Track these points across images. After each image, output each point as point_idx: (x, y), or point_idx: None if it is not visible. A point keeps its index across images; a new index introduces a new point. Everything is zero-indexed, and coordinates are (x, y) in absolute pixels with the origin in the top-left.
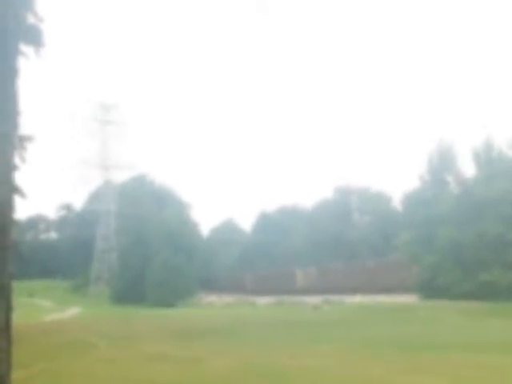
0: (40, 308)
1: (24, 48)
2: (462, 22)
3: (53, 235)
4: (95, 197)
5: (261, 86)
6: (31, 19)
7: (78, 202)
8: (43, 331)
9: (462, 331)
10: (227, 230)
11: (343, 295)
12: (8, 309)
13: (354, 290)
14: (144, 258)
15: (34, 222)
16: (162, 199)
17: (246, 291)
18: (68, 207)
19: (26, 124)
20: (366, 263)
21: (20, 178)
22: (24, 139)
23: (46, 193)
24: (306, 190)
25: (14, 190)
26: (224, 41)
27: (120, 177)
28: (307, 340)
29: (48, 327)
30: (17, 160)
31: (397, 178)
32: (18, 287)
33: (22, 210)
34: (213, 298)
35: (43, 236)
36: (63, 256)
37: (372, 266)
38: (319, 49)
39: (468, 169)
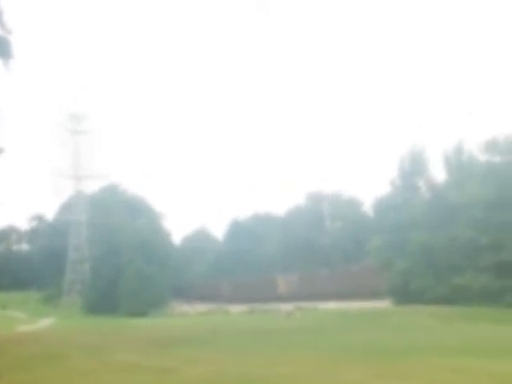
0: (13, 319)
1: None
2: (433, 26)
3: (25, 246)
4: (67, 207)
5: (230, 89)
6: None
7: (50, 212)
8: (16, 342)
9: (436, 335)
10: (200, 239)
11: (317, 302)
12: None
13: (327, 297)
14: (116, 268)
15: (5, 234)
16: (135, 209)
17: (221, 299)
18: (39, 218)
19: None
20: (338, 269)
21: None
22: None
23: (17, 204)
24: (278, 197)
25: None
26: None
27: (92, 187)
28: (280, 347)
29: (21, 338)
30: None
31: (368, 184)
32: None
33: None
34: (186, 307)
35: (15, 247)
36: (35, 267)
37: (345, 272)
38: (289, 59)
39: (439, 173)
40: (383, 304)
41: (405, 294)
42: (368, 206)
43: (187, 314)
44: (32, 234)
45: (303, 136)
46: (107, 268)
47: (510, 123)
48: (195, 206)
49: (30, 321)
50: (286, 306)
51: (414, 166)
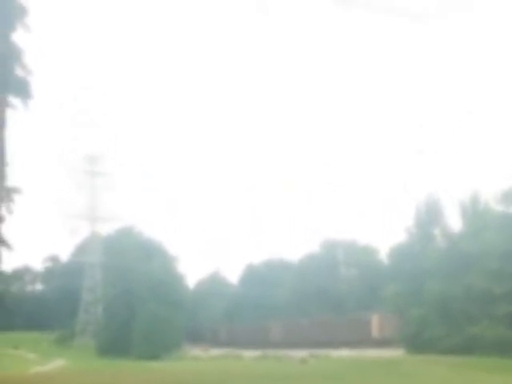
0: (25, 360)
1: (12, 99)
2: (445, 67)
3: (39, 287)
4: (81, 248)
5: (242, 135)
6: (19, 71)
7: (65, 253)
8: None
9: None
10: (214, 283)
11: (330, 349)
12: None
13: (341, 344)
14: (130, 310)
15: (20, 274)
16: (149, 251)
17: (234, 344)
18: (54, 259)
19: (14, 175)
20: (352, 316)
21: (6, 229)
22: (11, 191)
23: (32, 244)
24: (293, 243)
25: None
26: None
27: (107, 228)
28: None
29: (32, 380)
30: (3, 211)
31: (384, 232)
32: (2, 339)
33: (8, 261)
34: (198, 351)
35: (29, 287)
36: (49, 308)
37: (359, 319)
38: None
39: (455, 222)
40: (397, 353)
41: (419, 343)
42: (383, 253)
43: (200, 357)
44: (46, 275)
45: (318, 182)
46: (121, 310)
47: None
48: (210, 249)
49: (42, 362)
50: (300, 353)
51: (430, 215)
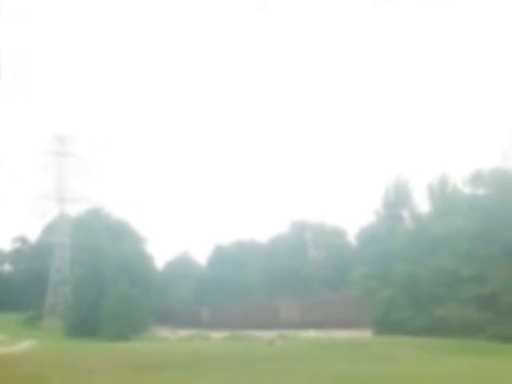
0: None
1: None
2: (418, 54)
3: (7, 268)
4: (50, 229)
5: (213, 114)
6: None
7: (33, 234)
8: None
9: (416, 367)
10: (182, 264)
11: (298, 330)
12: None
13: (309, 325)
14: (98, 291)
15: None
16: (118, 232)
17: (201, 325)
18: (23, 239)
19: None
20: (320, 298)
21: None
22: None
23: (0, 225)
24: (262, 224)
25: None
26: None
27: (75, 209)
28: (261, 375)
29: (0, 361)
30: None
31: (352, 213)
32: None
33: None
34: (167, 332)
35: None
36: (17, 289)
37: (327, 301)
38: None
39: (423, 204)
40: (364, 334)
41: (386, 325)
42: (352, 235)
43: (168, 339)
44: (15, 256)
45: (288, 164)
46: (89, 291)
47: (494, 156)
48: (179, 231)
49: (9, 343)
50: (268, 334)
51: (399, 197)
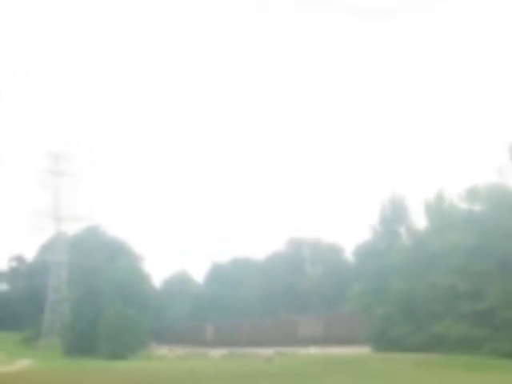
0: None
1: None
2: (413, 69)
3: (4, 287)
4: (47, 248)
5: (209, 133)
6: None
7: (30, 253)
8: None
9: (411, 382)
10: (180, 282)
11: (297, 347)
12: None
13: (307, 342)
14: (95, 310)
15: None
16: (115, 250)
17: (200, 343)
18: (19, 258)
19: None
20: (318, 315)
21: None
22: None
23: None
24: (259, 241)
25: None
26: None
27: (72, 228)
28: None
29: None
30: None
31: (349, 230)
32: None
33: None
34: (164, 350)
35: None
36: (14, 308)
37: (325, 318)
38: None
39: (420, 220)
40: (363, 350)
41: (384, 341)
42: (348, 251)
43: (166, 357)
44: (11, 275)
45: (284, 181)
46: (86, 309)
47: (490, 171)
48: (176, 248)
49: (6, 362)
50: (266, 351)
51: (395, 213)
